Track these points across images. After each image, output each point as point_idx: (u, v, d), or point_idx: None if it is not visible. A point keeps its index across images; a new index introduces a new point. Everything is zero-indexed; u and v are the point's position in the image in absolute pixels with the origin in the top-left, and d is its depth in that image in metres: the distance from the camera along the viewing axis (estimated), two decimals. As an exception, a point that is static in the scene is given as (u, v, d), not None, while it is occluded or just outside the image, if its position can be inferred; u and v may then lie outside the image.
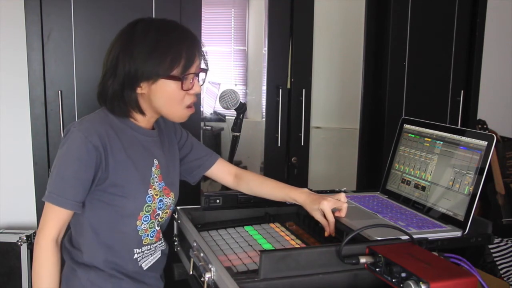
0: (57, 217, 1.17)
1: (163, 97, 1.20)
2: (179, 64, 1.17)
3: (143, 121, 1.27)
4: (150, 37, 1.17)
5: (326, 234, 1.26)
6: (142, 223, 1.25)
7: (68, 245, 1.27)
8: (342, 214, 1.27)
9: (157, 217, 1.29)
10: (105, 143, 1.17)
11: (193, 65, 1.19)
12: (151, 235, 1.29)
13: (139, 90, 1.19)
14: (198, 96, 2.02)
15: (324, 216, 1.26)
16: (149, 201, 1.25)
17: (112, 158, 1.18)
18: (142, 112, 1.24)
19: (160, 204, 1.28)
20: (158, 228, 1.31)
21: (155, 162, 1.28)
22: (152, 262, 1.31)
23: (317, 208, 1.27)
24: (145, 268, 1.29)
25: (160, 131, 1.35)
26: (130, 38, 1.18)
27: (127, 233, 1.24)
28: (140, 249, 1.28)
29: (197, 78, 1.22)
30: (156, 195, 1.26)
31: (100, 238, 1.23)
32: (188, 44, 1.19)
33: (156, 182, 1.27)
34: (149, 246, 1.29)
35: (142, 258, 1.29)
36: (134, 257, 1.27)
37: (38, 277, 1.17)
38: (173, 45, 1.17)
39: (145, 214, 1.25)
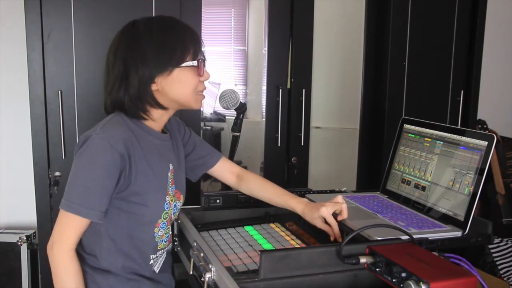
0: (76, 227, 1.14)
1: (180, 86, 1.19)
2: (189, 52, 1.18)
3: (156, 124, 1.26)
4: (156, 35, 1.17)
5: (332, 239, 1.25)
6: (160, 229, 1.25)
7: (81, 251, 1.23)
8: (344, 215, 1.26)
9: (170, 221, 1.29)
10: (129, 151, 1.15)
11: (200, 52, 1.21)
12: (165, 240, 1.29)
13: (153, 87, 1.18)
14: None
15: (326, 222, 1.26)
16: (167, 208, 1.24)
17: (135, 166, 1.16)
18: (162, 107, 1.22)
19: (174, 210, 1.28)
20: (171, 233, 1.32)
21: (170, 166, 1.28)
22: (161, 264, 1.31)
23: (317, 216, 1.26)
24: (157, 271, 1.29)
25: (169, 133, 1.34)
26: (135, 40, 1.17)
27: (145, 240, 1.23)
28: (155, 254, 1.28)
29: (204, 65, 1.24)
30: (171, 201, 1.26)
31: (118, 246, 1.22)
32: (190, 35, 1.21)
33: (170, 187, 1.27)
34: (162, 251, 1.30)
35: (156, 262, 1.29)
36: (150, 263, 1.27)
37: None
38: (179, 37, 1.18)
39: (163, 221, 1.25)
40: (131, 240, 1.22)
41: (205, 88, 1.26)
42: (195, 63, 1.19)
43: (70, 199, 1.12)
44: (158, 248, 1.28)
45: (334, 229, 1.24)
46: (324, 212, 1.24)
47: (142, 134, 1.22)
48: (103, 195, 1.13)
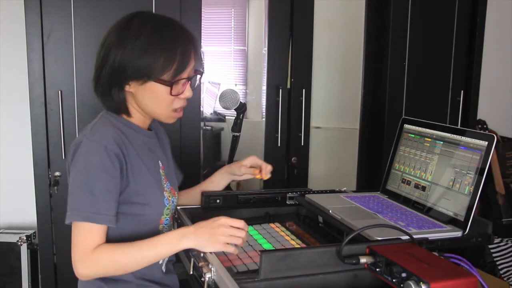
0: (91, 236, 1.08)
1: (151, 99, 1.16)
2: (171, 67, 1.12)
3: (141, 122, 1.25)
4: (145, 34, 1.11)
5: (258, 177, 1.34)
6: (164, 226, 1.25)
7: None
8: (264, 176, 1.36)
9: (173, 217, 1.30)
10: (123, 150, 1.13)
11: (186, 69, 1.15)
12: None
13: (127, 88, 1.16)
14: (197, 96, 2.02)
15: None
16: (167, 203, 1.24)
17: (130, 165, 1.14)
18: (127, 113, 1.20)
19: (173, 206, 1.29)
20: (174, 228, 1.31)
21: (160, 163, 1.27)
22: (165, 263, 1.30)
23: (239, 165, 1.36)
24: (164, 271, 1.28)
25: (154, 131, 1.34)
26: (125, 31, 1.13)
27: None
28: None
29: (189, 82, 1.18)
30: (169, 196, 1.26)
31: None
32: (183, 46, 1.14)
33: (165, 184, 1.26)
34: None
35: (164, 261, 1.28)
36: (160, 262, 1.26)
37: (140, 256, 1.08)
38: (167, 45, 1.12)
39: (165, 217, 1.25)
40: None
41: (184, 105, 1.21)
42: (170, 82, 1.13)
43: (79, 208, 1.08)
44: None
45: (263, 165, 1.33)
46: (249, 158, 1.33)
47: (130, 132, 1.20)
48: (110, 198, 1.10)
